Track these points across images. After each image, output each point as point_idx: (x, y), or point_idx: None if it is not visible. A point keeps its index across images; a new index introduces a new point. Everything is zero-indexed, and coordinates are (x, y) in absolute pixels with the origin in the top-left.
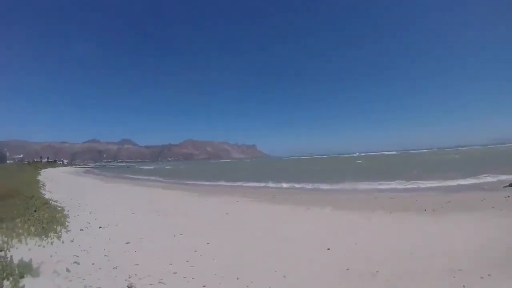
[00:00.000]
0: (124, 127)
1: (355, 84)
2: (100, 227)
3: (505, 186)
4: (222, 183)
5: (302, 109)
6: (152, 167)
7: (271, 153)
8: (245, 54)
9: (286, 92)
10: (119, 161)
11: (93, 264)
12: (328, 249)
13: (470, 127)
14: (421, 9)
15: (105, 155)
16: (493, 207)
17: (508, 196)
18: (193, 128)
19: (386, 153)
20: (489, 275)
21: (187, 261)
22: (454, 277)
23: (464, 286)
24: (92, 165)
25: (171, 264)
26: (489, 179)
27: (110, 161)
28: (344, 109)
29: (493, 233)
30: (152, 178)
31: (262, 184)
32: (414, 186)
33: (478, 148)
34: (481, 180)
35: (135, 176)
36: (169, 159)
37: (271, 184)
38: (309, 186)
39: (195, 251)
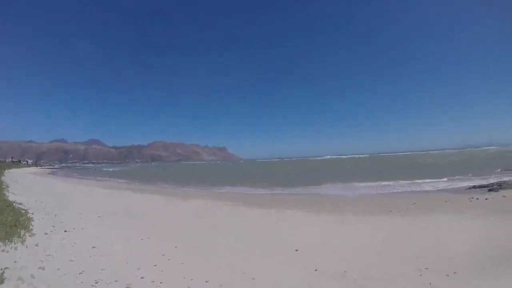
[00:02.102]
0: (92, 127)
1: (328, 86)
2: (65, 231)
3: (469, 188)
4: (192, 186)
5: (272, 112)
6: (118, 169)
7: (242, 155)
8: (215, 56)
9: (256, 94)
10: (85, 162)
11: (58, 269)
12: (297, 250)
13: (441, 131)
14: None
15: (71, 156)
16: (456, 209)
17: (472, 198)
18: (163, 130)
19: (358, 156)
20: (454, 272)
21: (155, 265)
22: (421, 275)
23: (430, 283)
24: (58, 166)
25: (138, 269)
26: (455, 181)
27: (76, 162)
28: (316, 112)
29: (456, 233)
30: (120, 180)
31: (233, 187)
32: (383, 188)
33: (449, 151)
34: (448, 183)
35: (101, 178)
36: (137, 160)
37: (242, 187)
38: (281, 188)
39: (163, 255)
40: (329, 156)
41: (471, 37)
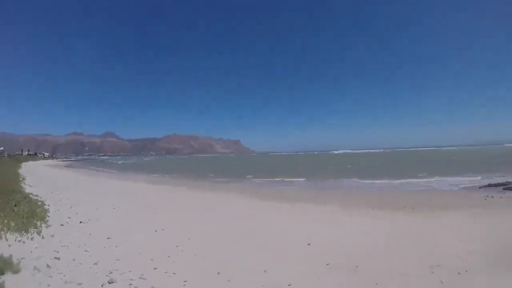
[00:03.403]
0: (108, 120)
1: (342, 82)
2: (81, 222)
3: (483, 186)
4: (206, 178)
5: (286, 106)
6: (133, 161)
7: (255, 148)
8: (229, 51)
9: (270, 89)
10: (101, 154)
11: (73, 259)
12: (309, 244)
13: (461, 127)
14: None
15: (87, 148)
16: (471, 206)
17: (487, 196)
18: (177, 123)
19: (373, 151)
20: (466, 271)
21: (168, 257)
22: (432, 272)
23: (442, 281)
24: (74, 158)
25: (152, 260)
26: (472, 179)
27: (92, 154)
28: (332, 107)
29: (471, 230)
30: (136, 173)
31: (246, 179)
32: (400, 184)
33: (471, 148)
34: (465, 180)
35: (116, 171)
36: (151, 153)
37: (255, 179)
38: (293, 182)
39: (177, 246)
40: (345, 151)
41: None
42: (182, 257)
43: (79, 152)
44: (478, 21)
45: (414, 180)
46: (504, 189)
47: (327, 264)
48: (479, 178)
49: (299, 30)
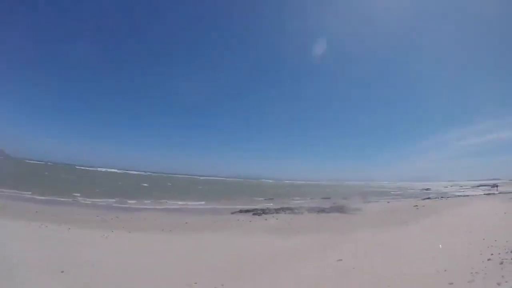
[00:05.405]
0: None
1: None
2: None
3: (236, 212)
4: None
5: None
6: None
7: (14, 153)
8: None
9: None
10: None
11: None
12: (62, 272)
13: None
14: None
15: None
16: (223, 228)
17: (238, 219)
18: None
19: (140, 173)
20: (222, 285)
21: None
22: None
23: None
24: None
25: None
26: (225, 205)
27: None
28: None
29: (222, 248)
30: None
31: None
32: (160, 206)
33: (227, 180)
34: (220, 206)
35: None
36: None
37: None
38: (40, 198)
39: None
40: (113, 170)
41: None
42: None
43: None
44: None
45: (169, 203)
46: (253, 214)
47: None
48: (233, 204)
49: None
